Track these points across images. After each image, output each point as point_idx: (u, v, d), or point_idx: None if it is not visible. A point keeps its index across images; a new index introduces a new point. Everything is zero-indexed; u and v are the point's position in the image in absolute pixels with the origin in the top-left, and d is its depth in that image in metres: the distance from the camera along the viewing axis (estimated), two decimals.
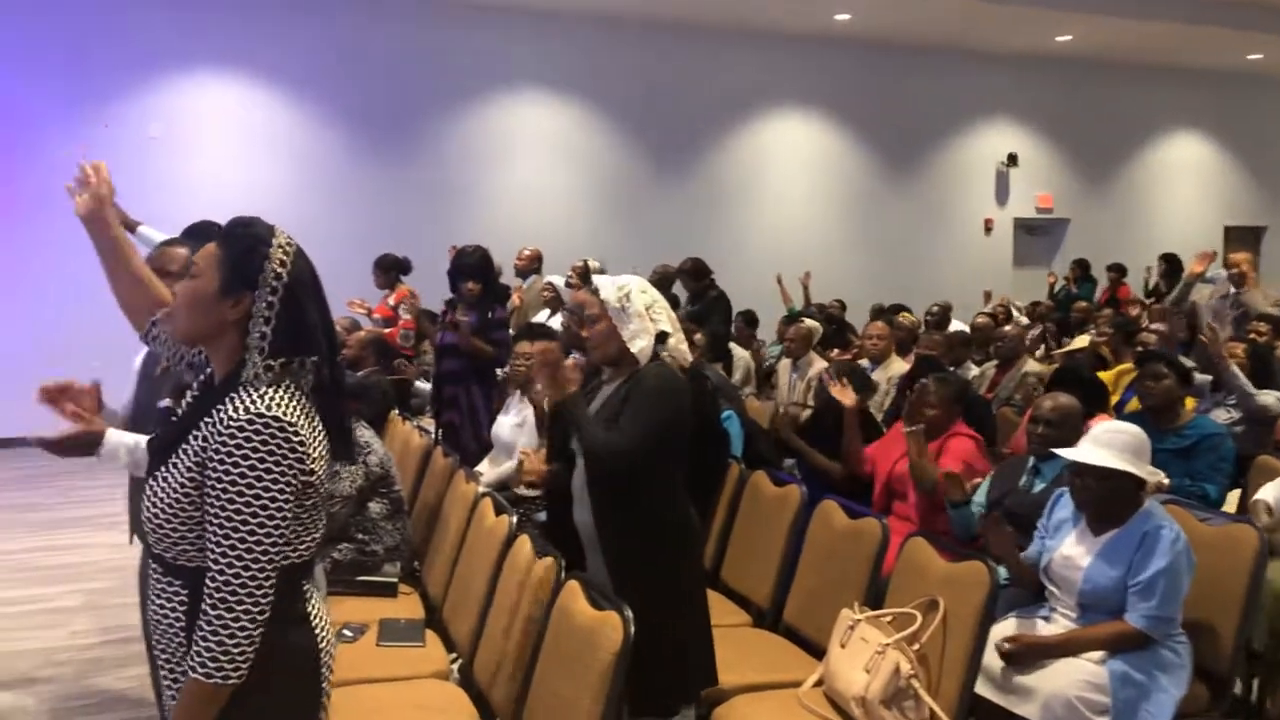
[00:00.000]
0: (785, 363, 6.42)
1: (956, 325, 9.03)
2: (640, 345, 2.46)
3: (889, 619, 2.56)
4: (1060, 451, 2.82)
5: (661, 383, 2.43)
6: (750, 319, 7.61)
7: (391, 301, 6.21)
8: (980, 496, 3.40)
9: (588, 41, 9.96)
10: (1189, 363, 4.56)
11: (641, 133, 10.30)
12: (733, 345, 6.83)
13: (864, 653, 2.47)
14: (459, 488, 3.40)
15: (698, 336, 5.12)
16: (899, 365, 5.61)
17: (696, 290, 7.00)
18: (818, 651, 2.79)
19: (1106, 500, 2.66)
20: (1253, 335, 5.65)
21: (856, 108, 11.20)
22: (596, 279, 2.56)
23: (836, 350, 7.25)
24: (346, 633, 2.88)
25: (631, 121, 10.25)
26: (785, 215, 11.01)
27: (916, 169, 11.63)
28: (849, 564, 2.88)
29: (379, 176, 9.28)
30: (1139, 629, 2.52)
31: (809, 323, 6.41)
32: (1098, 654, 2.54)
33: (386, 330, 5.92)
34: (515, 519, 2.80)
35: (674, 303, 7.28)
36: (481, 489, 3.25)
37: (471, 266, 4.96)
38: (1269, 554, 2.79)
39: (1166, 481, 2.90)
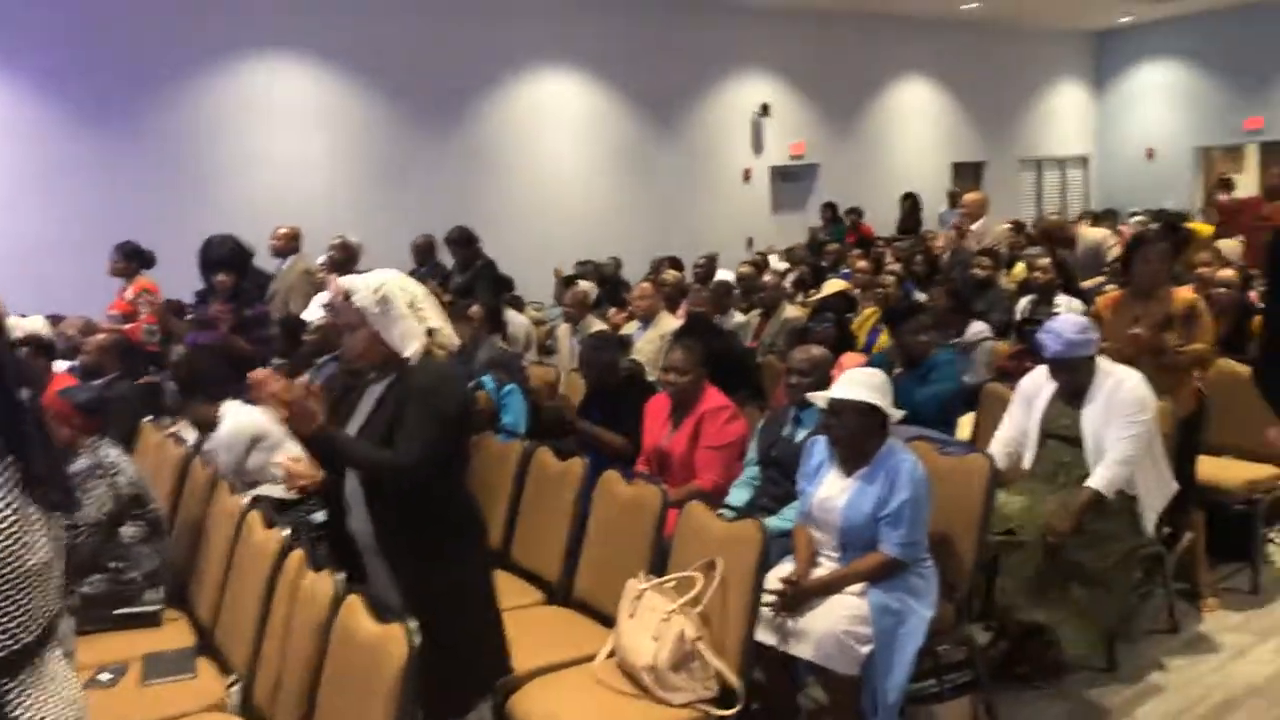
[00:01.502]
0: (565, 327, 6.46)
1: (724, 274, 9.40)
2: (414, 347, 2.36)
3: (672, 584, 2.67)
4: (813, 396, 3.02)
5: (433, 380, 2.36)
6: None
7: (129, 294, 5.68)
8: (751, 452, 3.59)
9: (343, 2, 9.40)
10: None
11: (402, 97, 9.89)
12: (510, 312, 6.78)
13: (651, 621, 2.56)
14: (222, 500, 3.19)
15: (473, 310, 5.03)
16: (670, 321, 5.77)
17: (464, 259, 6.86)
18: (612, 623, 2.86)
19: (857, 436, 2.86)
20: (975, 269, 6.26)
21: (620, 64, 11.27)
22: (348, 282, 2.40)
23: (614, 309, 7.38)
24: (103, 677, 2.65)
25: (392, 86, 9.81)
26: (555, 175, 10.98)
27: (680, 123, 11.90)
28: (633, 533, 2.96)
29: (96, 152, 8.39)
30: (892, 556, 2.76)
31: (584, 285, 6.48)
32: (859, 587, 2.76)
33: (126, 327, 5.40)
34: (288, 531, 2.66)
35: (440, 272, 7.10)
36: (249, 497, 3.06)
37: (222, 258, 4.62)
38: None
39: (904, 415, 3.10)
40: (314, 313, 4.45)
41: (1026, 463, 3.57)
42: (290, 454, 2.81)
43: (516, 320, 6.71)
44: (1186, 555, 3.84)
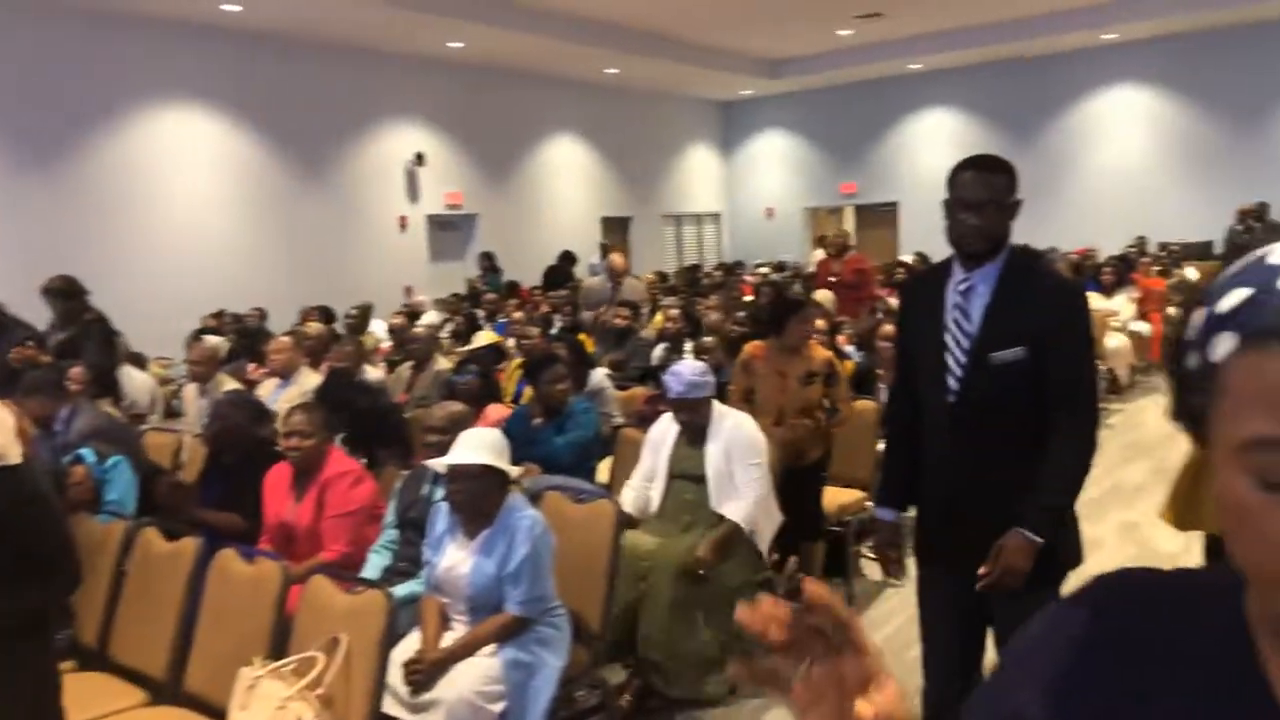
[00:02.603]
0: (191, 386, 5.91)
1: (379, 324, 9.17)
2: None
3: (292, 667, 2.50)
4: (432, 464, 2.99)
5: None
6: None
7: None
8: (389, 514, 3.48)
9: None
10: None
11: (6, 132, 8.63)
12: (130, 370, 6.09)
13: (265, 711, 2.38)
14: None
15: (74, 371, 4.43)
16: (312, 377, 5.50)
17: (67, 312, 6.07)
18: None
19: (477, 498, 2.88)
20: (616, 319, 6.62)
21: (263, 108, 10.68)
22: None
23: (253, 365, 6.89)
24: None
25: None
26: (190, 221, 10.10)
27: (329, 168, 11.50)
28: (252, 616, 2.75)
29: None
30: (516, 615, 2.80)
31: (211, 340, 5.97)
32: (490, 648, 2.77)
33: None
34: None
35: (34, 336, 6.18)
36: None
37: None
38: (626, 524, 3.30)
39: (523, 472, 3.17)
40: None
41: (654, 505, 3.81)
42: None
43: (137, 380, 6.05)
44: (801, 577, 4.28)
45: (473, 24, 10.77)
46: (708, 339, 6.54)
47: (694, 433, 3.79)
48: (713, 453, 3.73)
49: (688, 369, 3.78)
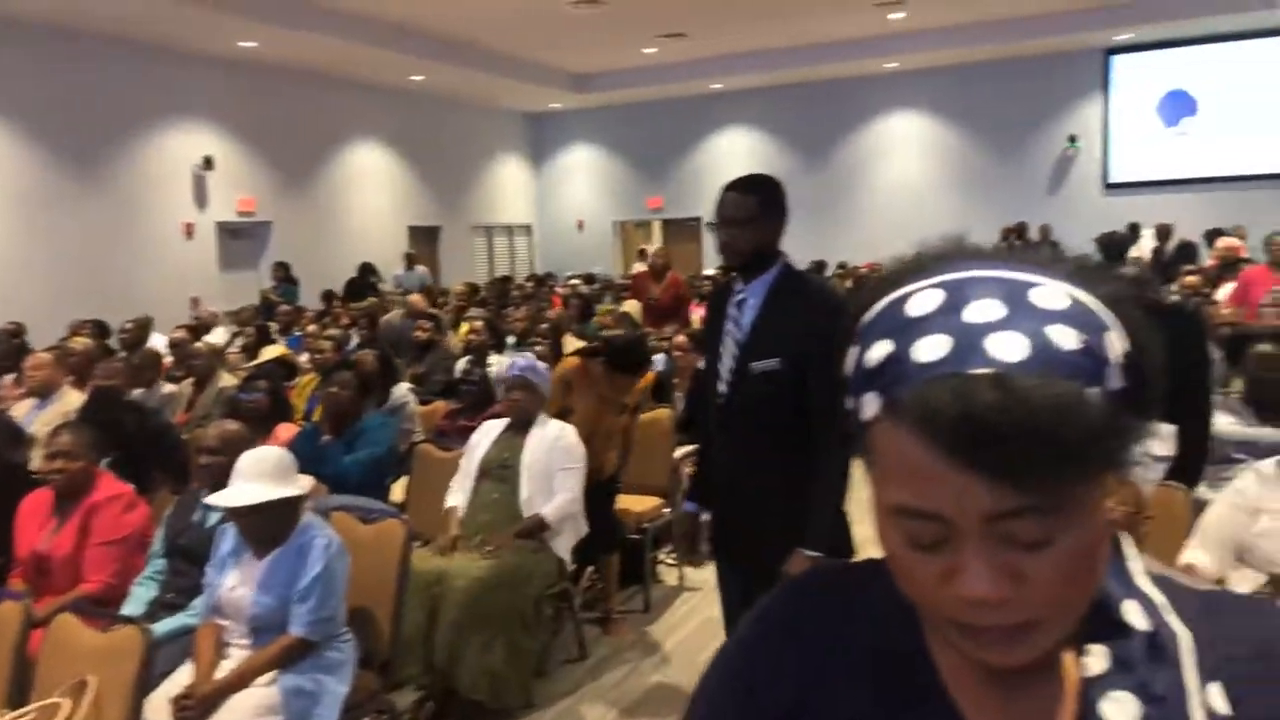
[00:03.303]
0: None
1: (159, 338, 8.54)
2: None
3: (31, 716, 2.28)
4: (211, 499, 2.82)
5: None
6: None
7: None
8: (157, 543, 3.25)
9: None
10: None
11: None
12: None
13: None
14: None
15: None
16: (75, 397, 5.06)
17: None
18: None
19: (267, 526, 2.75)
20: (417, 331, 6.47)
21: (25, 100, 9.72)
22: None
23: (10, 380, 6.25)
24: None
25: None
26: None
27: (105, 171, 10.62)
28: None
29: None
30: (301, 636, 2.68)
31: None
32: (269, 676, 2.63)
33: None
34: None
35: None
36: None
37: None
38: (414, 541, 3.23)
39: (310, 487, 3.06)
40: None
41: (462, 509, 3.78)
42: None
43: None
44: (601, 585, 4.32)
45: (266, 25, 10.27)
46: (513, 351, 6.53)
47: (520, 423, 3.85)
48: (533, 444, 3.80)
49: (524, 357, 4.05)
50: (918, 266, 0.65)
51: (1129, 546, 0.69)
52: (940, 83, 14.66)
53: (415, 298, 8.32)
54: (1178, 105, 13.59)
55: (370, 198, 14.25)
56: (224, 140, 11.97)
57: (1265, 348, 3.49)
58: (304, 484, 2.85)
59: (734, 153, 16.33)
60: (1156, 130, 13.74)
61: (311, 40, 11.01)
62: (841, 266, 12.69)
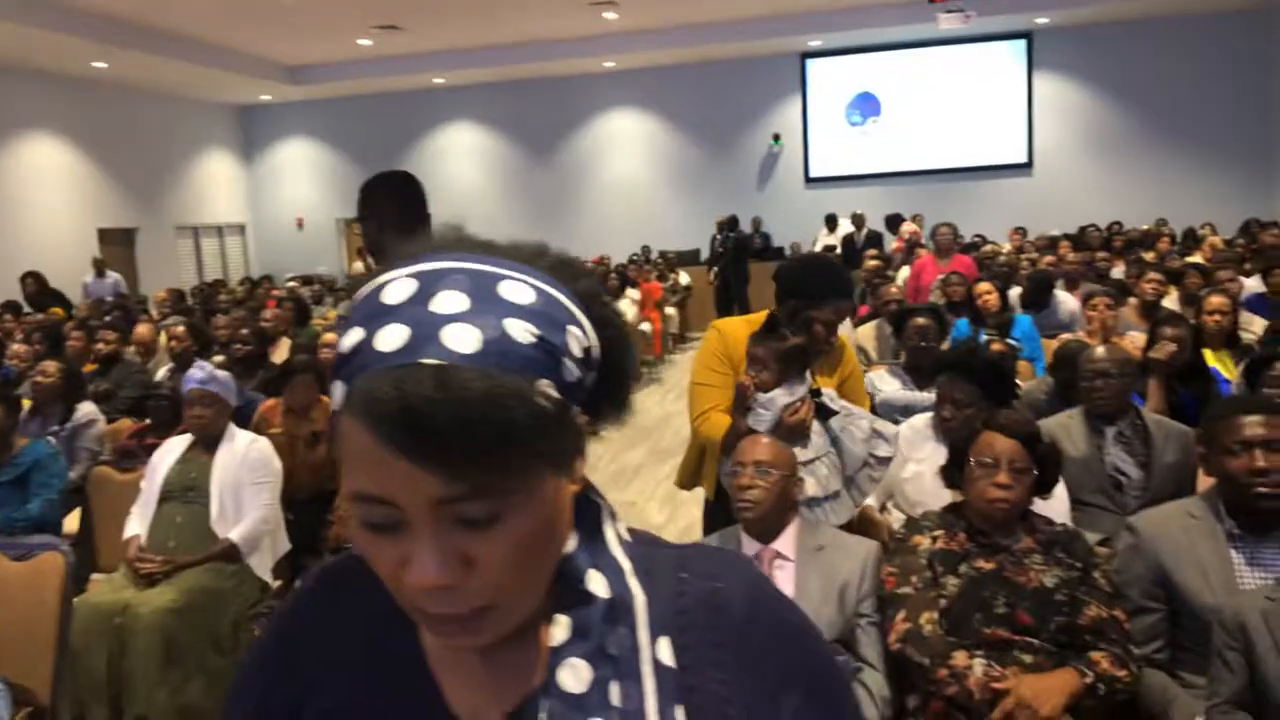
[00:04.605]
0: None
1: None
2: None
3: None
4: None
5: None
6: None
7: None
8: None
9: None
10: None
11: None
12: None
13: None
14: None
15: None
16: None
17: None
18: None
19: None
20: (100, 344, 5.86)
21: None
22: None
23: None
24: None
25: None
26: None
27: None
28: None
29: None
30: None
31: None
32: None
33: None
34: None
35: None
36: None
37: None
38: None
39: None
40: None
41: (144, 536, 3.47)
42: None
43: None
44: None
45: None
46: (218, 358, 6.06)
47: (207, 439, 3.58)
48: (222, 460, 3.56)
49: (213, 369, 3.70)
50: (409, 254, 0.65)
51: (608, 517, 0.72)
52: (655, 82, 15.27)
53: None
54: (866, 106, 15.00)
55: (48, 197, 12.69)
56: None
57: (919, 320, 3.92)
58: None
59: (460, 148, 16.15)
60: (848, 129, 15.09)
61: None
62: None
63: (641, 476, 6.42)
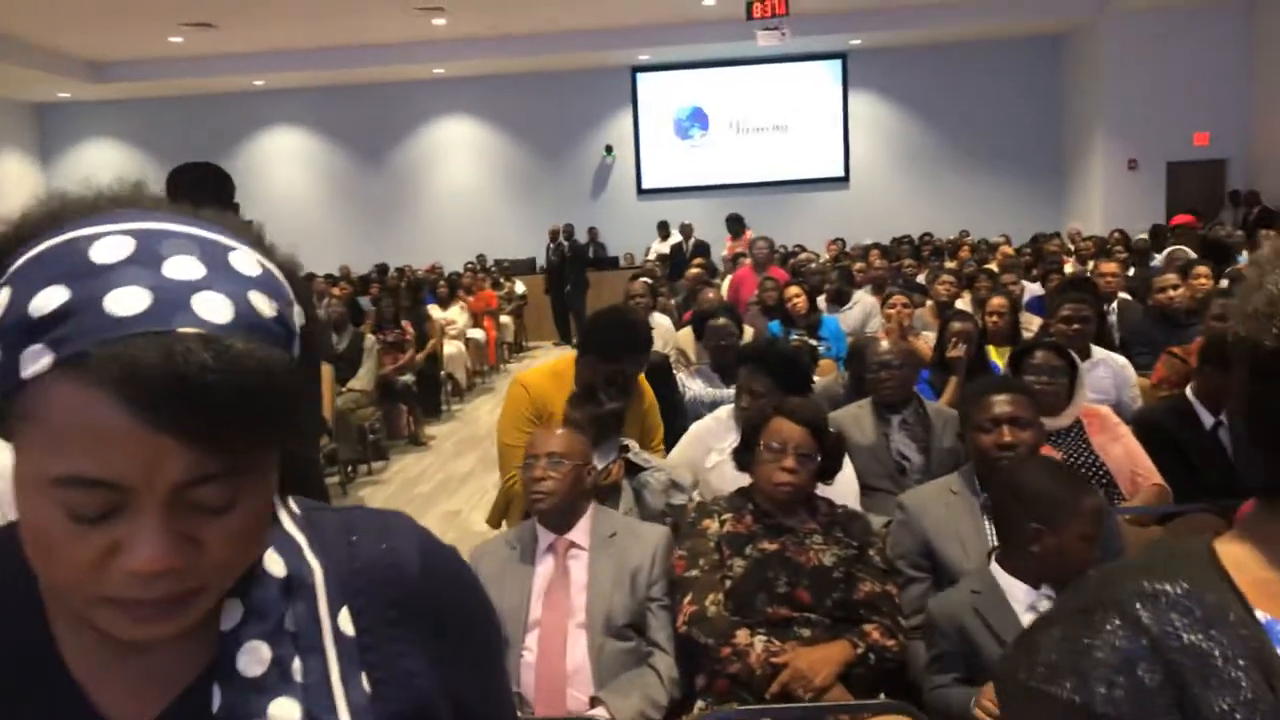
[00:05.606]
0: None
1: None
2: None
3: None
4: None
5: None
6: None
7: None
8: None
9: None
10: None
11: None
12: None
13: None
14: None
15: None
16: None
17: None
18: None
19: None
20: None
21: None
22: None
23: None
24: None
25: None
26: None
27: None
28: None
29: None
30: None
31: None
32: None
33: None
34: None
35: None
36: None
37: None
38: None
39: None
40: None
41: None
42: None
43: None
44: None
45: None
46: None
47: None
48: None
49: None
50: (90, 208, 0.60)
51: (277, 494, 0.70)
52: (487, 90, 15.17)
53: None
54: (694, 120, 15.41)
55: None
56: None
57: (717, 322, 4.06)
58: None
59: (284, 153, 15.55)
60: (678, 142, 15.45)
61: None
62: (399, 271, 12.63)
63: (469, 485, 6.34)
